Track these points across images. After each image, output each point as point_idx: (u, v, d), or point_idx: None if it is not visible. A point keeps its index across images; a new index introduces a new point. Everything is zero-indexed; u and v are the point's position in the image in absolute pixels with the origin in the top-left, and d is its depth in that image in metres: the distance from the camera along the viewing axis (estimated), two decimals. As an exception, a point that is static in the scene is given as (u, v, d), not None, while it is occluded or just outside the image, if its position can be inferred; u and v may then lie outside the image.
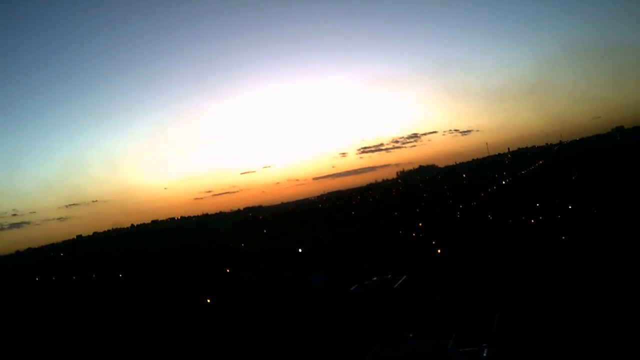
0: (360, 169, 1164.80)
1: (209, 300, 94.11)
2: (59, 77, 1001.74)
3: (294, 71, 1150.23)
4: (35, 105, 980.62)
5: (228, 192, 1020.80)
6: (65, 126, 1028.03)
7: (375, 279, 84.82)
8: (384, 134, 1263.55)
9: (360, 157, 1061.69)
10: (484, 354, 41.93)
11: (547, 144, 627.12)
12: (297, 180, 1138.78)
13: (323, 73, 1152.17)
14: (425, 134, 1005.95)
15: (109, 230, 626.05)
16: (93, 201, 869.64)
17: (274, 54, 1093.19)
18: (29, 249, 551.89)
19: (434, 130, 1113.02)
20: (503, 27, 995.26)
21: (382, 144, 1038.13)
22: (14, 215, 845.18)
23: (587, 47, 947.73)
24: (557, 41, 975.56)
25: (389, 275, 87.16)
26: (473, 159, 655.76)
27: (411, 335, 53.62)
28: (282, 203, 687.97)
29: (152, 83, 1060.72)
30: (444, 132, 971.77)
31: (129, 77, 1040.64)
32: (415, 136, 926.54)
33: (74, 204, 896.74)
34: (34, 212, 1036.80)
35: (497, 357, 44.56)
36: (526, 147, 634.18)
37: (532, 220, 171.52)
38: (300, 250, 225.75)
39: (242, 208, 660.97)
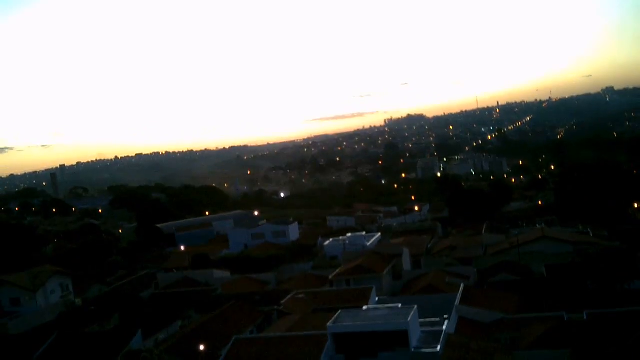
0: (349, 114, 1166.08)
1: (182, 248, 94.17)
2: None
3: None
4: None
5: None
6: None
7: (349, 235, 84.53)
8: (375, 81, 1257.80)
9: (350, 102, 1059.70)
10: (444, 327, 42.05)
11: (536, 100, 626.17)
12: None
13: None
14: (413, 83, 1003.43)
15: (92, 162, 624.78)
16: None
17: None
18: (12, 175, 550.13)
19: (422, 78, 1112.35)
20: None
21: (372, 91, 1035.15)
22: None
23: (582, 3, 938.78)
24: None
25: (363, 233, 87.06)
26: (462, 111, 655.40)
27: (377, 299, 53.92)
28: (268, 144, 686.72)
29: None
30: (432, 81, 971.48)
31: None
32: (405, 84, 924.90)
33: (58, 133, 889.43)
34: (18, 138, 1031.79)
35: (458, 329, 44.79)
36: (515, 102, 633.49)
37: (513, 180, 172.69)
38: (282, 194, 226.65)
39: (227, 147, 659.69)
